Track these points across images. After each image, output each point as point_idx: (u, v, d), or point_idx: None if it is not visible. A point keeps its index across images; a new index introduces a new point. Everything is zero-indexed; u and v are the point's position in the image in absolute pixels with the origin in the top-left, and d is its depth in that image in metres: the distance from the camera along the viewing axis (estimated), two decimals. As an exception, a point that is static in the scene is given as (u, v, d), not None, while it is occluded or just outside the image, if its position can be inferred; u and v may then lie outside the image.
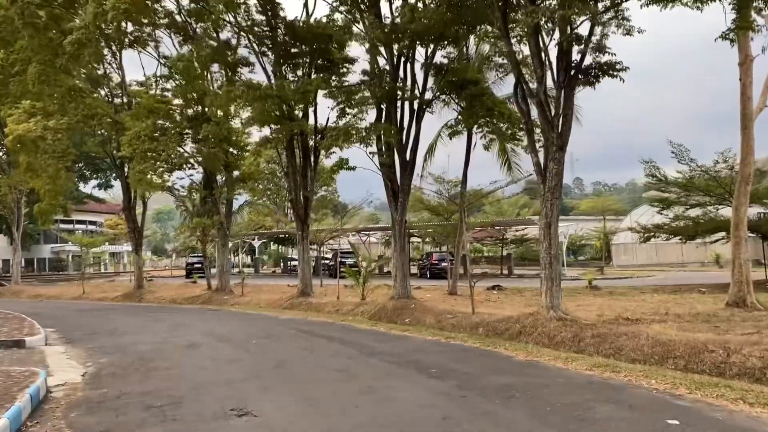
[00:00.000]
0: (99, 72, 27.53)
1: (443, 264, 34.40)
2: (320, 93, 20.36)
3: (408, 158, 18.00)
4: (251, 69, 22.04)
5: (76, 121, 26.10)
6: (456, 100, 17.96)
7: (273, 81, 20.30)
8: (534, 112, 13.69)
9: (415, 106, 18.06)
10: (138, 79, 28.42)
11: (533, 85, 13.45)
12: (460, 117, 19.11)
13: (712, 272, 34.68)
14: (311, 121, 21.94)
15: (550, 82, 13.26)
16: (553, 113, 13.02)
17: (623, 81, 13.38)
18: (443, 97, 18.39)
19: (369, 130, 17.27)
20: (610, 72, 13.32)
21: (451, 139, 18.81)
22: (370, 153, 17.78)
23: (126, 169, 27.37)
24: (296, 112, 21.89)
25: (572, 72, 13.12)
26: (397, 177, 18.25)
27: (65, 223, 65.00)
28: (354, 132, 17.53)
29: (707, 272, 35.00)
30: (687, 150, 22.77)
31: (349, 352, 10.23)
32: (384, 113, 18.20)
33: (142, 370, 8.79)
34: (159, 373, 8.59)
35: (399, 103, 18.27)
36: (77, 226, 68.31)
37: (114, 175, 36.74)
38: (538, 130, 13.99)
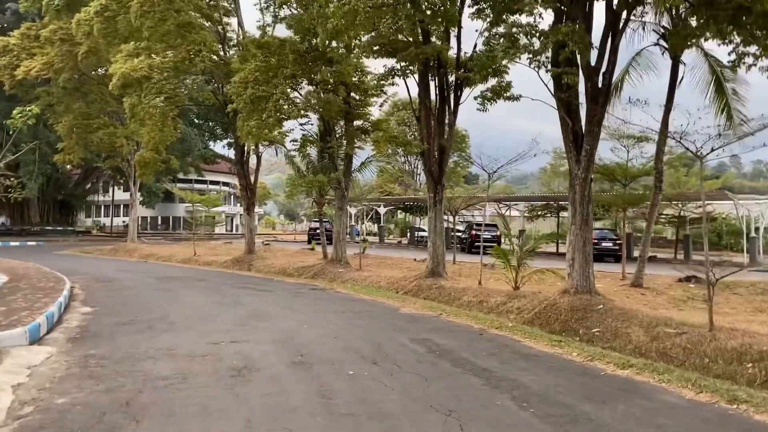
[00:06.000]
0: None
1: (604, 243, 28.14)
2: (466, 12, 15.15)
3: (600, 85, 11.85)
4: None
5: (182, 59, 22.85)
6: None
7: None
8: None
9: (615, 5, 11.77)
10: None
11: None
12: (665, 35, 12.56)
13: None
14: (452, 51, 16.79)
15: None
16: None
17: None
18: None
19: (545, 35, 11.14)
20: None
21: (674, 49, 12.19)
22: (545, 70, 11.74)
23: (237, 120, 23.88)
24: (432, 38, 16.78)
25: None
26: (581, 114, 12.25)
27: (199, 183, 65.41)
28: (528, 31, 11.39)
29: None
30: None
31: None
32: (565, 18, 12.15)
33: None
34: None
35: (587, 4, 12.12)
36: (210, 186, 68.67)
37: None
38: None
